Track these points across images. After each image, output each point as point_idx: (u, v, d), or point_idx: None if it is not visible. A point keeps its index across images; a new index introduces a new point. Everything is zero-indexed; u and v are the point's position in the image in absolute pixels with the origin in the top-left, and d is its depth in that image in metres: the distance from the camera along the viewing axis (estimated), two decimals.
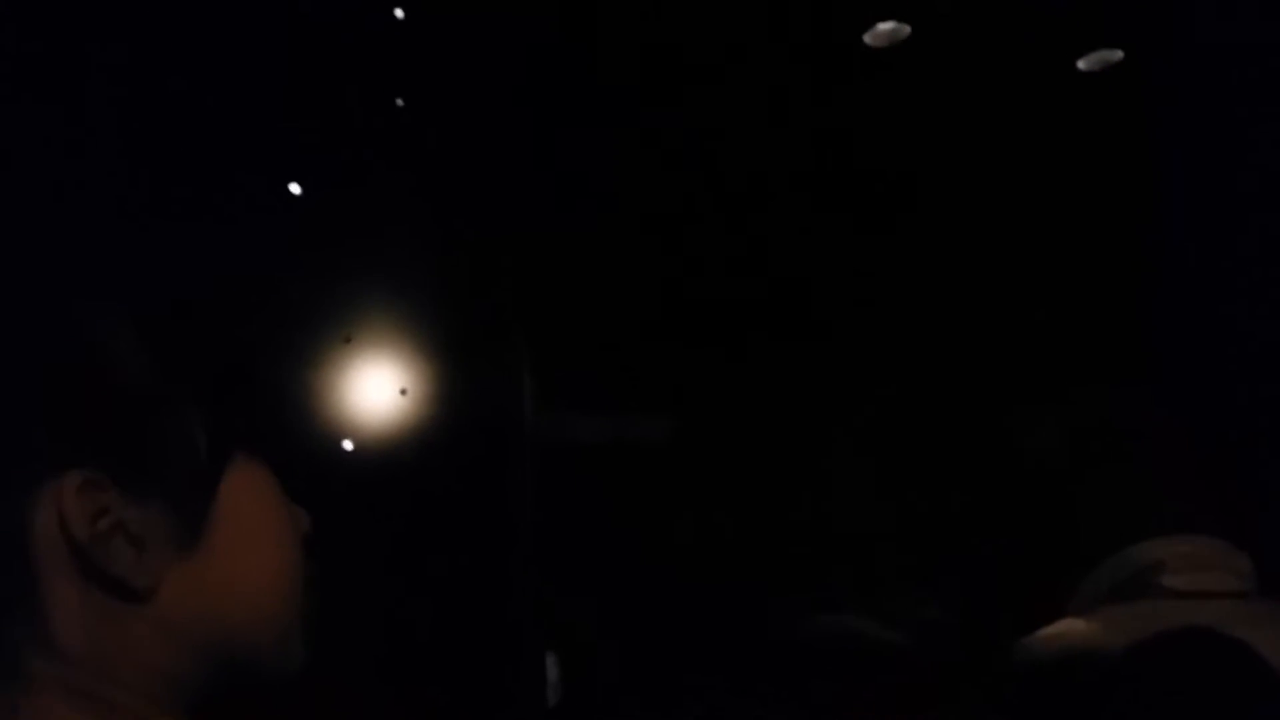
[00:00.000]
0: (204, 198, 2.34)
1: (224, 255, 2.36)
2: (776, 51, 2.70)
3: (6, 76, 2.01)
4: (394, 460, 2.57)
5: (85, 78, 2.20)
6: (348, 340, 2.61)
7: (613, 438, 2.80)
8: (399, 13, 2.62)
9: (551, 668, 2.45)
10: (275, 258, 2.52)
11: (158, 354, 0.76)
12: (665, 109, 2.79)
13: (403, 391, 2.61)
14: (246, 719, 0.78)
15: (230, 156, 2.50)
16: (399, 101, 2.71)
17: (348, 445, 2.56)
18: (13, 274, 0.79)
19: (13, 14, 1.99)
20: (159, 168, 2.28)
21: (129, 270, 0.82)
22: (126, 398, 0.74)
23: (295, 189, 2.57)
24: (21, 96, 2.02)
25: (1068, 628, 1.45)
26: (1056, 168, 2.81)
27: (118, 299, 0.78)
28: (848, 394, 2.92)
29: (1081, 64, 2.81)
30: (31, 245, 0.83)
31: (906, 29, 2.68)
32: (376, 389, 2.61)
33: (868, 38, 2.70)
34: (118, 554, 0.72)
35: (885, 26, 2.68)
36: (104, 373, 0.74)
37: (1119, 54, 2.80)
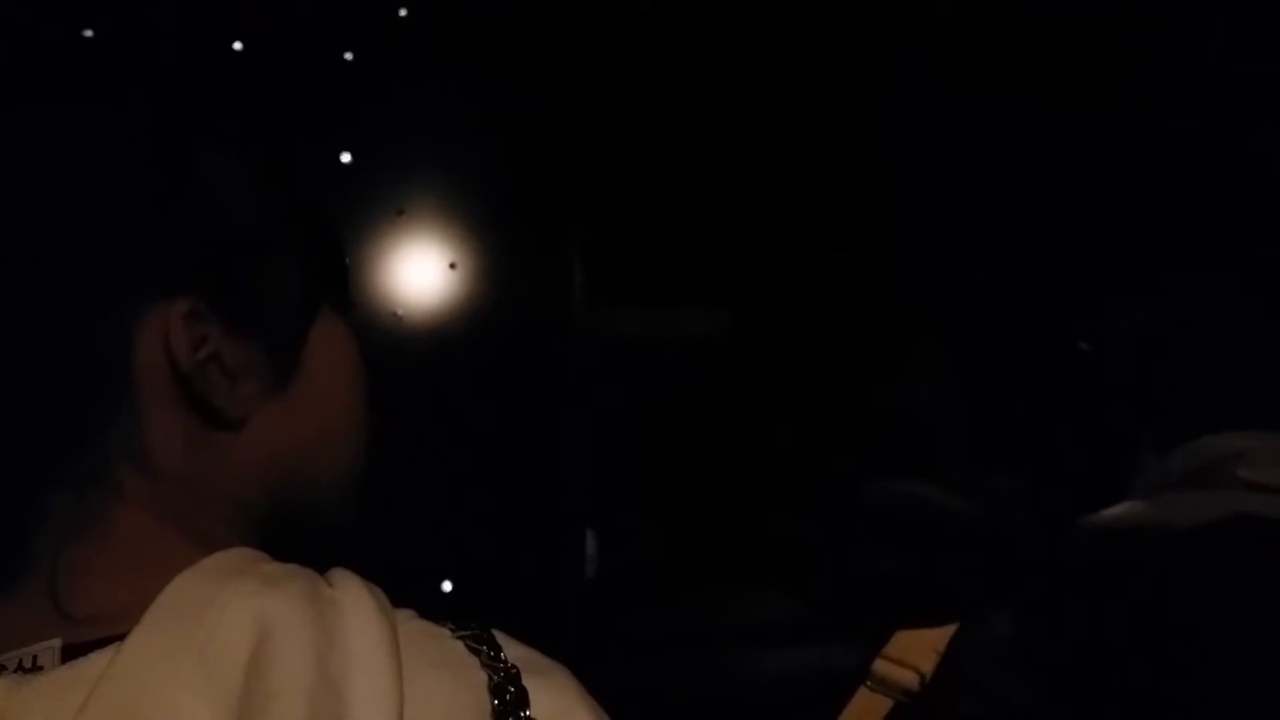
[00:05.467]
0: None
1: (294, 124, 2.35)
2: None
3: None
4: (441, 333, 2.56)
5: None
6: (400, 213, 2.59)
7: (660, 330, 2.79)
8: None
9: (591, 542, 2.46)
10: (331, 129, 2.50)
11: (266, 202, 0.80)
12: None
13: (452, 265, 2.59)
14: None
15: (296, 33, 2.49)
16: None
17: (397, 314, 2.55)
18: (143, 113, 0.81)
19: None
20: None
21: (240, 125, 0.84)
22: (235, 238, 0.77)
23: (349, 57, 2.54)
24: None
25: (1135, 508, 1.42)
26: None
27: (234, 150, 0.81)
28: (906, 283, 2.89)
29: None
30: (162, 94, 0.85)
31: None
32: (426, 262, 2.59)
33: None
34: (214, 383, 0.75)
35: None
36: (217, 212, 0.77)
37: None
